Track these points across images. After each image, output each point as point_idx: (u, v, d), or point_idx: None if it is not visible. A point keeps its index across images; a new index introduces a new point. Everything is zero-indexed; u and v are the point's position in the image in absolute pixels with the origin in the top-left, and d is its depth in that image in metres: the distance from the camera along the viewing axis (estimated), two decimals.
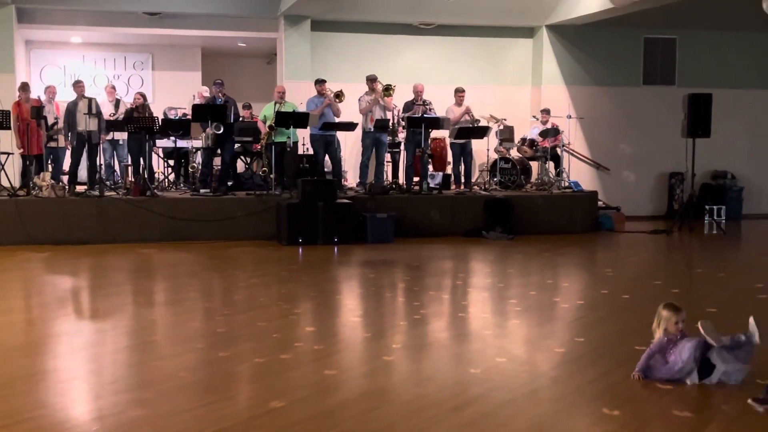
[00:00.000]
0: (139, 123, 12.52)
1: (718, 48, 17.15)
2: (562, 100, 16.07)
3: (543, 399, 4.77)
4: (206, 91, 14.36)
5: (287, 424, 4.27)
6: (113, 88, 14.40)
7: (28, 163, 12.69)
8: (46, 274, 9.77)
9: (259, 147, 13.76)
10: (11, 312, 7.37)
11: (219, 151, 13.05)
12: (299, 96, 13.81)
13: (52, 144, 13.11)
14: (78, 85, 12.93)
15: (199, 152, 13.57)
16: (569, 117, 15.19)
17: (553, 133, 14.57)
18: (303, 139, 13.78)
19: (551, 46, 16.46)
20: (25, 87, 12.87)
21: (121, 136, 13.73)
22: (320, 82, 13.33)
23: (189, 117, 13.27)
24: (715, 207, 15.23)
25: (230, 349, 5.79)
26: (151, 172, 13.13)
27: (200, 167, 13.19)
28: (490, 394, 4.78)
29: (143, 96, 13.33)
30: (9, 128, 12.10)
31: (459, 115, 13.91)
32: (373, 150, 13.52)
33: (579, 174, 15.89)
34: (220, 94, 12.84)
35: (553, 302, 7.87)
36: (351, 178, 14.98)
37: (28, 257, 10.48)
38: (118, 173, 14.09)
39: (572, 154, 16.00)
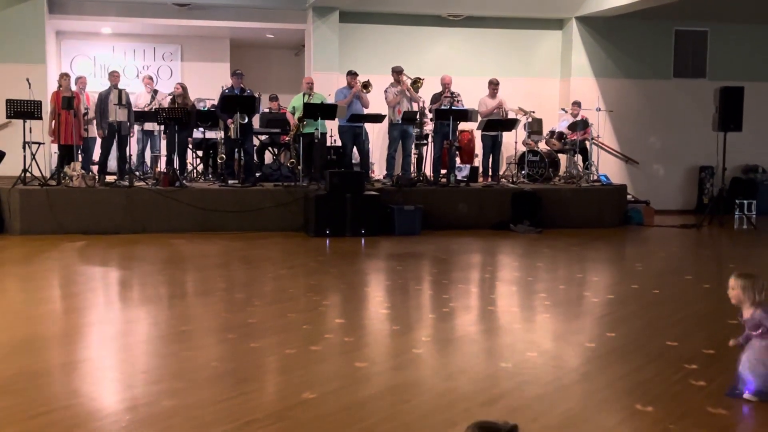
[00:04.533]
0: (170, 114, 12.59)
1: (750, 41, 16.94)
2: (592, 92, 15.96)
3: (574, 394, 4.75)
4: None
5: (319, 416, 4.28)
6: (150, 78, 14.50)
7: (63, 153, 12.83)
8: (79, 263, 9.86)
9: (287, 138, 13.80)
10: (46, 302, 7.47)
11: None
12: (327, 87, 13.83)
13: (83, 134, 13.23)
14: (113, 75, 13.06)
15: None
16: (598, 110, 15.08)
17: (582, 125, 14.47)
18: (330, 130, 13.79)
19: (581, 38, 16.34)
20: (66, 75, 12.98)
21: (155, 126, 13.82)
22: (352, 74, 13.33)
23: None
24: (745, 201, 15.02)
25: (261, 340, 5.82)
26: (184, 164, 13.20)
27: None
28: (521, 389, 4.77)
29: (183, 86, 13.38)
30: (41, 118, 12.21)
31: (492, 108, 13.85)
32: (400, 142, 13.51)
33: (608, 167, 15.79)
34: (241, 86, 12.88)
35: (583, 297, 7.84)
36: (378, 170, 14.97)
37: (60, 247, 10.59)
38: (148, 164, 14.18)
39: (601, 147, 15.88)
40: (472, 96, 14.08)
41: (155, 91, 14.06)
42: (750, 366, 4.54)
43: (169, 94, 13.53)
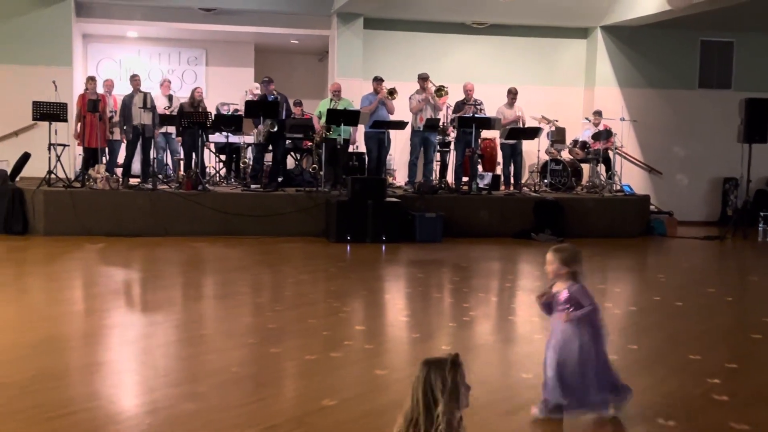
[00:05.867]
0: (192, 118, 12.67)
1: None
2: (616, 102, 15.89)
3: None
4: (257, 89, 14.41)
5: (338, 423, 4.28)
6: (169, 82, 14.59)
7: (88, 155, 12.94)
8: (101, 265, 9.92)
9: (309, 144, 13.82)
10: (67, 303, 7.52)
11: (270, 147, 13.13)
12: (350, 93, 13.85)
13: (108, 137, 13.33)
14: (134, 79, 13.17)
15: (250, 148, 13.68)
16: (622, 119, 14.99)
17: (606, 135, 14.39)
18: (353, 137, 13.78)
19: (605, 47, 16.27)
20: (92, 79, 13.12)
21: (174, 129, 13.91)
22: (378, 80, 13.36)
23: (241, 113, 13.39)
24: None
25: (281, 346, 5.82)
26: (203, 167, 13.28)
27: (251, 163, 13.29)
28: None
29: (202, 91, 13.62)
30: (66, 121, 12.33)
31: (509, 121, 13.81)
32: (422, 149, 13.50)
33: (631, 177, 15.68)
34: (274, 92, 12.94)
35: (605, 308, 7.76)
36: (400, 177, 14.96)
37: (83, 248, 10.66)
38: (170, 167, 14.26)
39: (624, 157, 15.79)
40: (495, 104, 14.06)
41: (171, 96, 14.13)
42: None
43: (189, 98, 13.64)
